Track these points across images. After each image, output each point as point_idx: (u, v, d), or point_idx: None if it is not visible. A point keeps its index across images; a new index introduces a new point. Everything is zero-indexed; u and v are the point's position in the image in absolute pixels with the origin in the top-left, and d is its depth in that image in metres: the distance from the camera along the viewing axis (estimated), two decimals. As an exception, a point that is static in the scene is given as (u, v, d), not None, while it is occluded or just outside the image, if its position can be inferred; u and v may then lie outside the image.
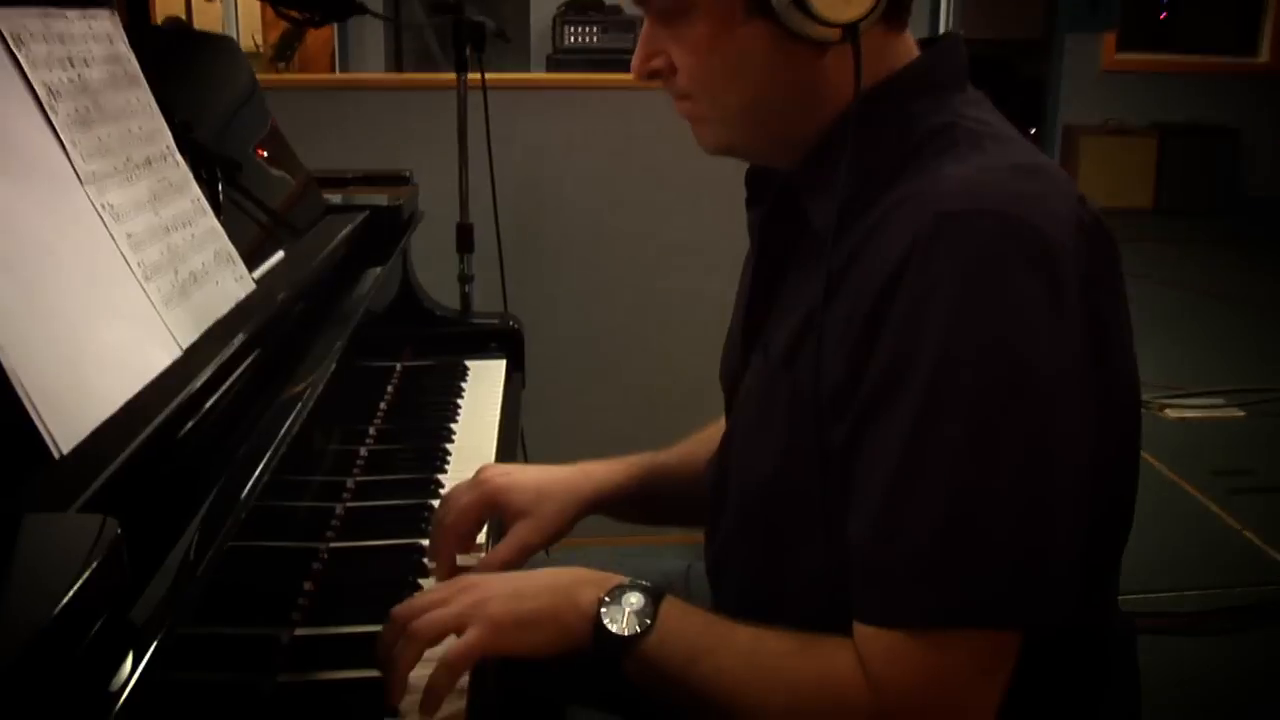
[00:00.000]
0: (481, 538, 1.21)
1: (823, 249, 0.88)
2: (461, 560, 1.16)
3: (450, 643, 0.91)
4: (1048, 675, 0.89)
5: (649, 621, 0.89)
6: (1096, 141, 7.26)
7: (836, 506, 0.86)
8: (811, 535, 0.90)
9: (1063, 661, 0.91)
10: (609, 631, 0.89)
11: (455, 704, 0.91)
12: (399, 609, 0.94)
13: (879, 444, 0.81)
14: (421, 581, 1.13)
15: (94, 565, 0.58)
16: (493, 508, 1.18)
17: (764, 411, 0.94)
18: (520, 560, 1.15)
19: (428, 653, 0.91)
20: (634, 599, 0.91)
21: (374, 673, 0.95)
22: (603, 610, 0.90)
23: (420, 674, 0.90)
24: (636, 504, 1.23)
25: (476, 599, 0.92)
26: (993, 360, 0.79)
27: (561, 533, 1.17)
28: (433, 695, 0.89)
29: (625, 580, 0.93)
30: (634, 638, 0.89)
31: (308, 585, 1.09)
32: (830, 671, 0.84)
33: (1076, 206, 0.85)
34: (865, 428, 0.82)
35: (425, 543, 1.19)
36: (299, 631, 1.03)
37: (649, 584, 0.92)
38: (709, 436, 1.22)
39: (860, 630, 0.83)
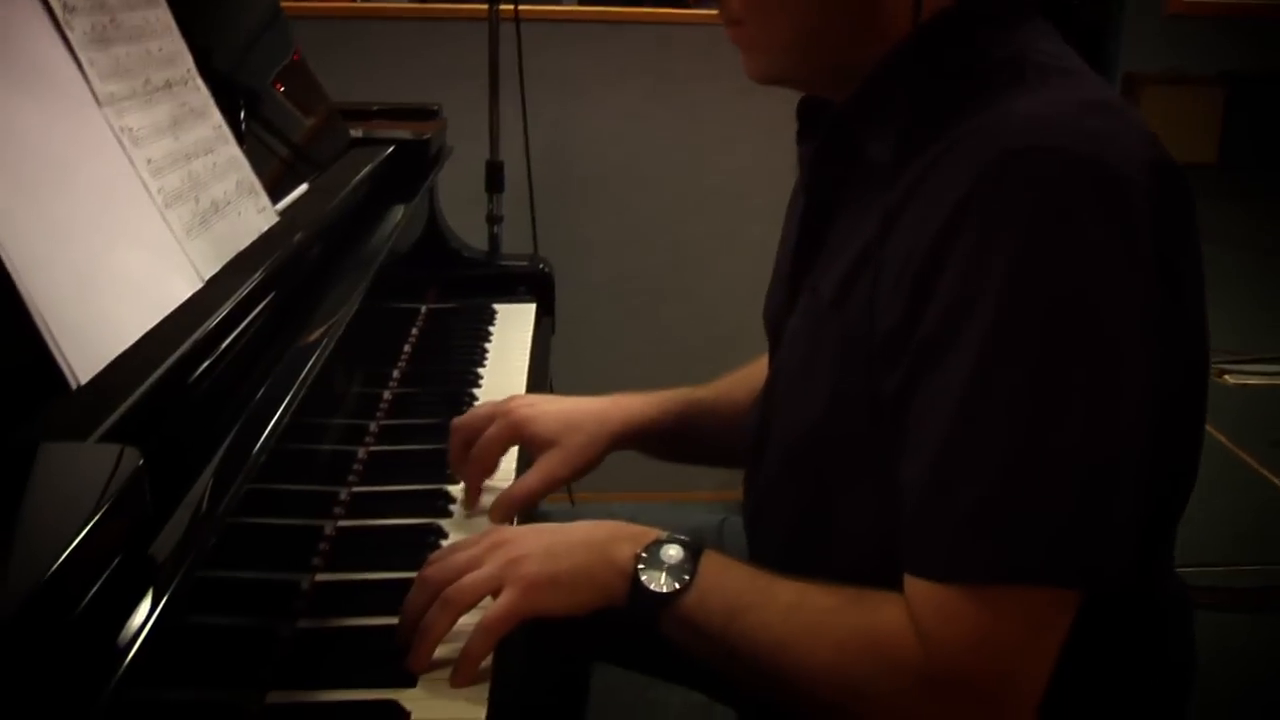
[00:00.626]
0: (511, 463, 1.21)
1: (879, 185, 0.87)
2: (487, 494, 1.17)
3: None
4: (1101, 641, 0.88)
5: (687, 577, 0.89)
6: (1158, 91, 7.14)
7: (887, 455, 0.85)
8: (859, 484, 0.90)
9: (1117, 627, 0.91)
10: (646, 589, 0.89)
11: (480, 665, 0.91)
12: (430, 572, 0.93)
13: (936, 391, 0.80)
14: (443, 524, 1.13)
15: (115, 496, 0.58)
16: (518, 439, 1.18)
17: (811, 354, 0.94)
18: (547, 492, 1.16)
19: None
20: (672, 554, 0.90)
21: (392, 619, 0.95)
22: (639, 566, 0.90)
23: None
24: (670, 440, 1.22)
25: (510, 558, 0.91)
26: (1059, 307, 0.77)
27: (590, 465, 1.17)
28: (468, 661, 0.89)
29: (663, 534, 0.92)
30: (672, 594, 0.88)
31: (329, 530, 1.10)
32: (877, 627, 0.83)
33: (1150, 147, 0.83)
34: (922, 374, 0.81)
35: (450, 488, 1.20)
36: (320, 577, 1.03)
37: (687, 538, 0.92)
38: (749, 375, 1.21)
39: (911, 584, 0.82)
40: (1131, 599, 0.89)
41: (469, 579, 0.91)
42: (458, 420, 1.20)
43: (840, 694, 0.84)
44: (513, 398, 1.21)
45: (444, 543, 1.10)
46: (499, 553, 0.92)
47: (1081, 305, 0.78)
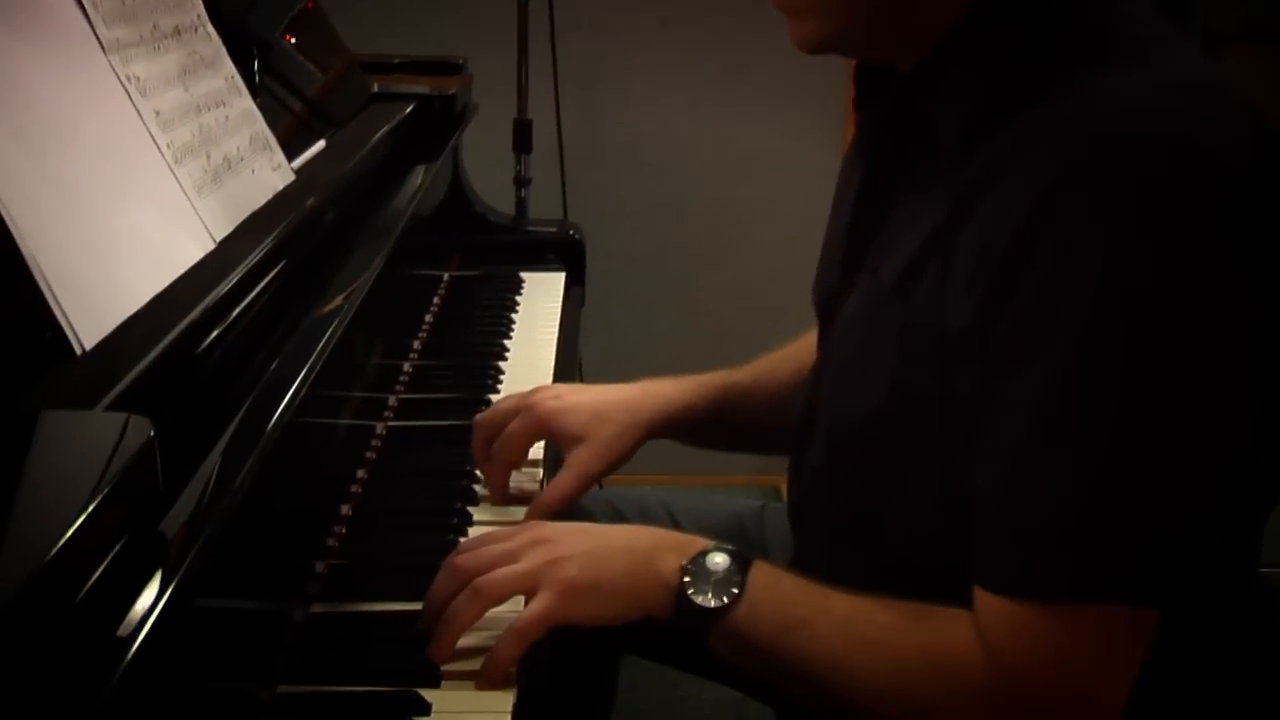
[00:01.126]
0: (539, 452, 1.21)
1: (949, 165, 0.85)
2: (514, 481, 1.17)
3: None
4: (1177, 649, 0.86)
5: (736, 591, 0.88)
6: (1240, 50, 7.03)
7: (953, 454, 0.83)
8: (917, 481, 0.88)
9: (1193, 633, 0.89)
10: (693, 603, 0.88)
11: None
12: (462, 559, 0.93)
13: (1016, 396, 0.78)
14: (471, 510, 1.13)
15: (123, 469, 0.57)
16: (544, 434, 1.17)
17: (870, 341, 0.92)
18: (583, 491, 1.15)
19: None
20: (719, 565, 0.89)
21: (413, 605, 0.95)
22: (685, 579, 0.89)
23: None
24: (706, 427, 1.21)
25: (549, 559, 0.90)
26: (1151, 312, 0.75)
27: (622, 458, 1.16)
28: (496, 665, 0.88)
29: (709, 544, 0.91)
30: (720, 609, 0.88)
31: (345, 510, 1.10)
32: (941, 645, 0.83)
33: (1256, 132, 0.79)
34: (1000, 376, 0.79)
35: (476, 471, 1.19)
36: (336, 561, 1.03)
37: (735, 548, 0.91)
38: (791, 356, 1.19)
39: (982, 599, 0.81)
40: (1209, 604, 0.87)
41: (503, 573, 0.90)
42: (480, 416, 1.20)
43: (900, 713, 0.84)
44: (537, 390, 1.20)
45: (470, 527, 1.10)
46: (537, 551, 0.91)
47: (1176, 310, 0.75)
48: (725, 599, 0.88)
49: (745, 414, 1.21)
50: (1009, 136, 0.81)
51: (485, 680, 0.88)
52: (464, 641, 0.90)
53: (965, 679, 0.81)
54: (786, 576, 0.91)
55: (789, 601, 0.88)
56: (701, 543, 0.92)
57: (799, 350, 1.17)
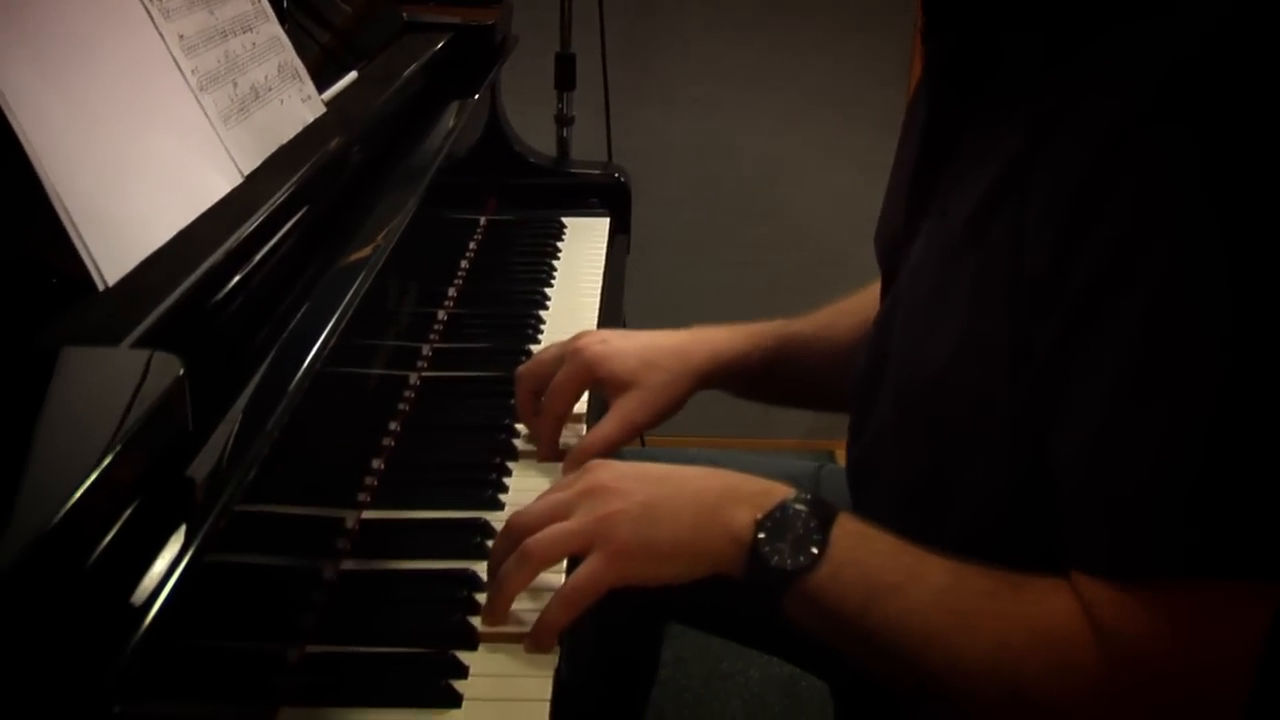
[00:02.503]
0: (582, 406, 1.21)
1: (1025, 91, 0.83)
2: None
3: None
4: None
5: (816, 550, 0.85)
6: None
7: (1030, 411, 0.81)
8: (991, 442, 0.86)
9: None
10: (768, 562, 0.85)
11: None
12: (516, 516, 0.93)
13: (1101, 349, 0.76)
14: (510, 464, 1.13)
15: (151, 406, 0.57)
16: (591, 381, 1.17)
17: (939, 289, 0.90)
18: (625, 440, 1.15)
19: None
20: (799, 520, 0.86)
21: (448, 564, 0.96)
22: (760, 536, 0.86)
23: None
24: (760, 379, 1.21)
25: (603, 514, 0.89)
26: (1249, 251, 0.72)
27: (672, 407, 1.16)
28: (544, 631, 0.88)
29: (788, 494, 0.88)
30: (798, 570, 0.85)
31: (377, 464, 1.10)
32: (1046, 619, 0.80)
33: None
34: (1081, 327, 0.77)
35: (514, 423, 1.20)
36: (366, 515, 1.04)
37: (817, 499, 0.88)
38: (854, 307, 1.19)
39: (1081, 581, 0.78)
40: None
41: (552, 532, 0.89)
42: (523, 368, 1.20)
43: (1001, 694, 0.80)
44: (582, 335, 1.20)
45: (507, 481, 1.10)
46: (591, 503, 0.90)
47: (1275, 253, 0.72)
48: (803, 559, 0.85)
49: (803, 366, 1.20)
50: (1090, 59, 0.79)
51: (532, 645, 0.89)
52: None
53: (1073, 659, 0.78)
54: (876, 535, 0.87)
55: (877, 565, 0.85)
56: (780, 491, 0.89)
57: (863, 302, 1.16)
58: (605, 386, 1.16)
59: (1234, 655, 0.76)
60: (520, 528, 0.91)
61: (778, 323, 1.22)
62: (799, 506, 0.87)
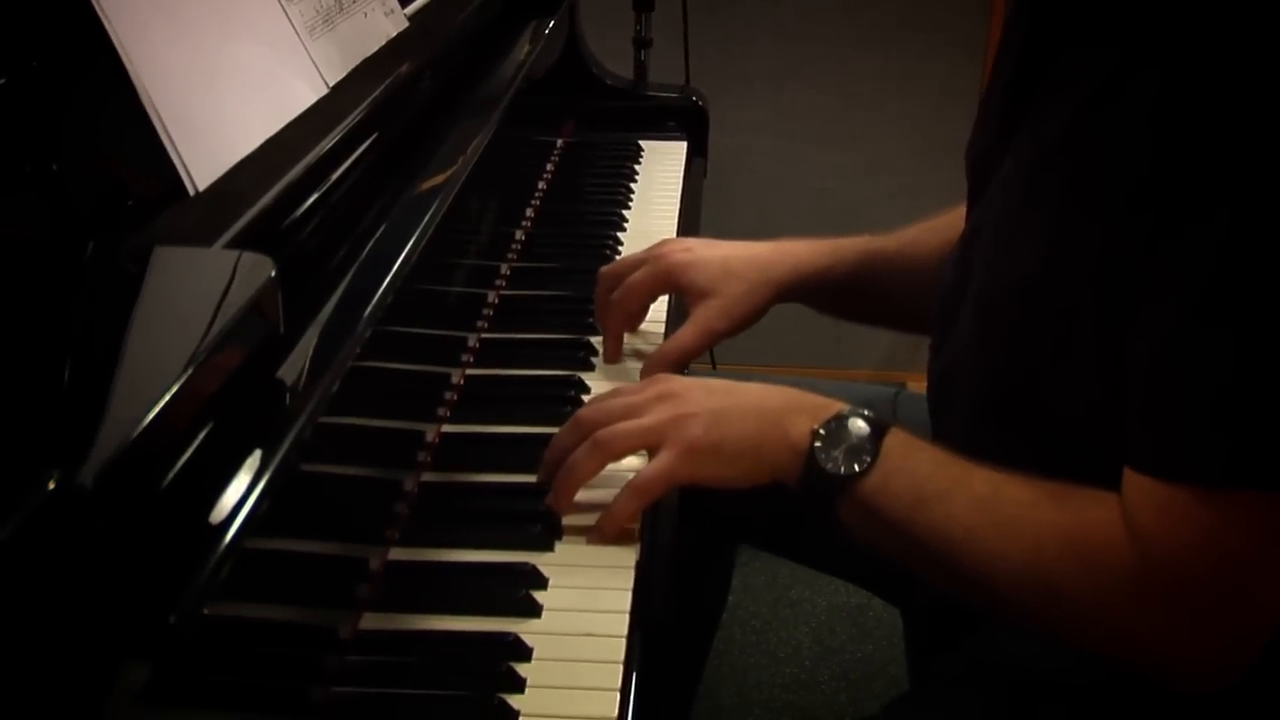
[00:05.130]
0: (661, 315, 1.21)
1: (1125, 8, 0.82)
2: (635, 346, 1.18)
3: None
4: None
5: (869, 459, 0.88)
6: None
7: (1114, 325, 0.81)
8: (1072, 355, 0.86)
9: None
10: (823, 469, 0.89)
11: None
12: (586, 411, 0.96)
13: (1186, 254, 0.76)
14: (584, 376, 1.14)
15: (244, 304, 0.58)
16: (670, 286, 1.18)
17: (1028, 204, 0.89)
18: (704, 348, 1.16)
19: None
20: (853, 431, 0.89)
21: (520, 477, 0.97)
22: (816, 444, 0.89)
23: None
24: (843, 294, 1.21)
25: (674, 415, 0.92)
26: None
27: (750, 317, 1.16)
28: (612, 520, 0.91)
29: (844, 407, 0.91)
30: (851, 477, 0.88)
31: (457, 378, 1.11)
32: (1083, 526, 0.82)
33: None
34: (1165, 237, 0.77)
35: (591, 339, 1.20)
36: (446, 429, 1.05)
37: (871, 413, 0.91)
38: (941, 225, 1.17)
39: (1131, 479, 0.80)
40: None
41: (625, 426, 0.92)
42: (605, 268, 1.21)
43: (1036, 596, 0.83)
44: (665, 241, 1.21)
45: (584, 398, 1.11)
46: (663, 406, 0.93)
47: None
48: (856, 466, 0.88)
49: (886, 282, 1.20)
50: None
51: (599, 535, 0.92)
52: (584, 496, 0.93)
53: (1107, 563, 0.80)
54: (924, 446, 0.90)
55: (924, 473, 0.88)
56: (837, 405, 0.92)
57: (949, 221, 1.15)
58: (685, 293, 1.17)
59: (1265, 572, 0.77)
60: (589, 422, 0.94)
61: (862, 238, 1.21)
62: (855, 418, 0.90)
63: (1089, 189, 0.83)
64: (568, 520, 0.93)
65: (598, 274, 1.20)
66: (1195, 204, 0.75)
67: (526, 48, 1.44)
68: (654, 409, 0.93)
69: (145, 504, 0.53)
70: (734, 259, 1.17)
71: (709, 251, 1.18)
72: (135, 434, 0.50)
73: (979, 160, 1.03)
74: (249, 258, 0.63)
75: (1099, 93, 0.83)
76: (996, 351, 0.94)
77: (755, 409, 0.93)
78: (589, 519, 0.92)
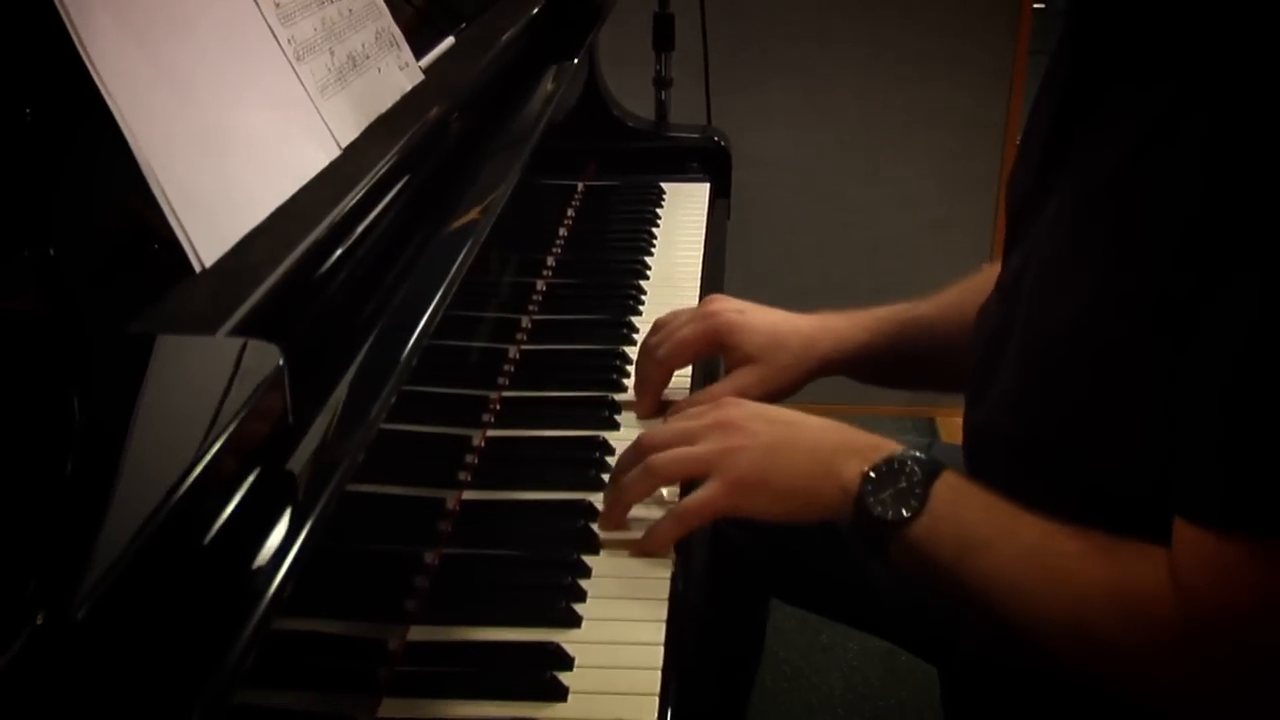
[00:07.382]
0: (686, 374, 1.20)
1: (1177, 38, 0.80)
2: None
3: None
4: None
5: (917, 505, 0.88)
6: None
7: (1161, 368, 0.80)
8: (1116, 398, 0.85)
9: None
10: (871, 513, 0.89)
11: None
12: (647, 434, 0.99)
13: (1236, 302, 0.74)
14: (608, 437, 1.10)
15: (249, 397, 0.55)
16: (718, 347, 1.17)
17: (1076, 243, 0.88)
18: None
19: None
20: (904, 474, 0.90)
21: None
22: (867, 487, 0.90)
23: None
24: (883, 365, 1.20)
25: (727, 446, 0.94)
26: None
27: (788, 389, 1.16)
28: (652, 542, 0.94)
29: (897, 448, 0.92)
30: (898, 522, 0.88)
31: (478, 441, 1.08)
32: (1129, 580, 0.81)
33: None
34: (1218, 279, 0.75)
35: (615, 396, 1.17)
36: (466, 495, 1.02)
37: (924, 456, 0.91)
38: (979, 287, 1.14)
39: (1180, 529, 0.78)
40: None
41: (676, 454, 0.95)
42: (661, 318, 1.20)
43: (1079, 648, 0.83)
44: (716, 299, 1.20)
45: (609, 459, 1.07)
46: (718, 435, 0.95)
47: None
48: (905, 511, 0.88)
49: (926, 349, 1.19)
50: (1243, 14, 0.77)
51: (639, 548, 0.95)
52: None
53: (1152, 619, 0.79)
54: (975, 492, 0.90)
55: (972, 520, 0.88)
56: (890, 446, 0.92)
57: (987, 280, 1.12)
58: (728, 354, 1.17)
59: None
60: (648, 445, 0.97)
61: (900, 308, 1.21)
62: (907, 461, 0.90)
63: (1137, 235, 0.82)
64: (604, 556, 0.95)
65: (654, 324, 1.20)
66: (1246, 252, 0.74)
67: (548, 92, 1.41)
68: (709, 437, 0.95)
69: (148, 621, 0.50)
70: (783, 330, 1.17)
71: (761, 317, 1.18)
72: (130, 559, 0.47)
73: (1019, 200, 1.01)
74: (254, 346, 0.60)
75: (1149, 135, 0.82)
76: (1038, 396, 0.93)
77: (809, 448, 0.94)
78: (625, 565, 0.94)
